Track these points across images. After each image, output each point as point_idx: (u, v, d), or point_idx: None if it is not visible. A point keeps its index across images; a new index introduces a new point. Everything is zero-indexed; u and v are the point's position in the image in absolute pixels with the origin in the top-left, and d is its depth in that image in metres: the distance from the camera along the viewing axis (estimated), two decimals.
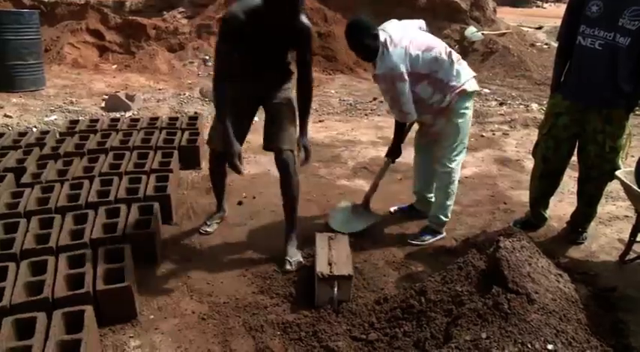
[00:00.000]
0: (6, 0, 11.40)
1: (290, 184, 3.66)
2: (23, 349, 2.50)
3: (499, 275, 2.73)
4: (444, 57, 3.64)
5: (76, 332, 2.60)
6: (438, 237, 4.00)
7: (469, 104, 3.80)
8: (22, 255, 3.31)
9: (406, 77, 3.54)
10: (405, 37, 3.61)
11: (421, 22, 3.98)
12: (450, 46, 3.89)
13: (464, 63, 3.80)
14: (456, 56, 3.73)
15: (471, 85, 3.75)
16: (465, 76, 3.72)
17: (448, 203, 3.96)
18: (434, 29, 11.84)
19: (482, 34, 11.58)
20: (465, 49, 11.19)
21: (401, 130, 3.99)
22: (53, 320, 2.66)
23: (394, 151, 4.06)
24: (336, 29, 10.64)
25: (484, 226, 4.20)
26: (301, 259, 3.61)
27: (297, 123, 3.65)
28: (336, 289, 3.10)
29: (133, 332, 2.94)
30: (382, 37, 3.58)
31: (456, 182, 3.94)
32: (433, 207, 4.02)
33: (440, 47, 3.68)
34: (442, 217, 3.98)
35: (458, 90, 3.67)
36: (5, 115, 6.91)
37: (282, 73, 3.66)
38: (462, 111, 3.75)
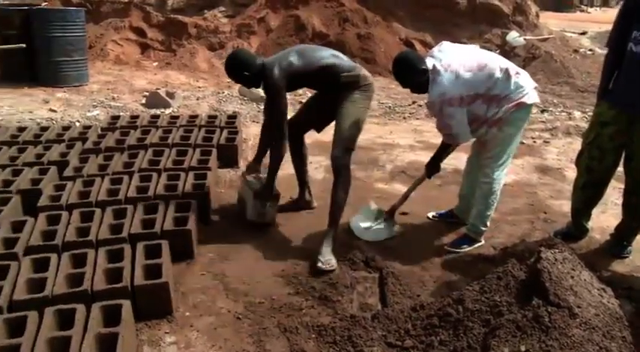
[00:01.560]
0: None
1: (340, 183, 3.80)
2: (63, 339, 2.54)
3: (540, 287, 2.67)
4: (498, 74, 3.55)
5: (113, 326, 2.64)
6: (476, 245, 3.94)
7: (526, 116, 3.72)
8: (63, 247, 3.37)
9: (456, 102, 3.49)
10: (455, 59, 3.55)
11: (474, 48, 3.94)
12: (492, 51, 3.81)
13: (524, 74, 3.69)
14: (513, 69, 3.62)
15: (531, 97, 3.65)
16: (525, 88, 3.62)
17: (487, 213, 3.90)
18: (474, 33, 11.80)
19: (525, 39, 11.40)
20: (506, 54, 11.02)
21: (445, 149, 3.96)
22: (92, 313, 2.70)
23: (432, 167, 4.02)
24: (375, 31, 10.59)
25: (523, 235, 4.12)
26: (334, 263, 3.56)
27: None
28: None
29: (169, 328, 2.96)
30: (430, 63, 3.55)
31: (498, 193, 3.86)
32: (472, 216, 3.96)
33: (494, 63, 3.59)
34: (481, 226, 3.92)
35: (516, 102, 3.59)
36: (50, 109, 7.08)
37: None
38: (516, 122, 3.68)
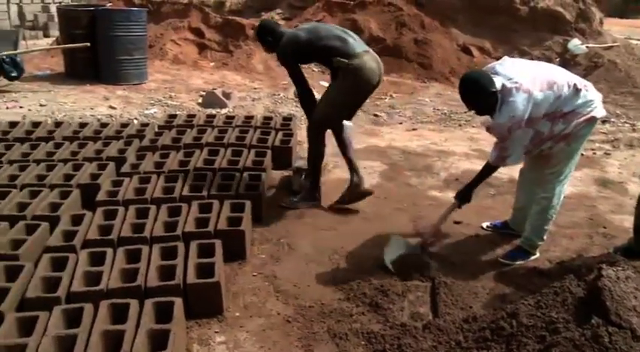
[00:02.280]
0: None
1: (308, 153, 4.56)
2: (117, 333, 2.59)
3: (600, 306, 2.57)
4: (567, 90, 3.40)
5: (164, 322, 2.67)
6: (531, 258, 3.82)
7: (592, 130, 3.60)
8: (119, 242, 3.44)
9: (524, 124, 3.33)
10: (525, 78, 3.35)
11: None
12: (552, 59, 3.70)
13: (591, 87, 3.54)
14: (581, 83, 3.47)
15: (600, 111, 3.53)
16: (594, 102, 3.49)
17: (545, 227, 3.78)
18: (534, 41, 11.53)
19: (587, 47, 11.06)
20: (567, 62, 10.72)
21: (487, 175, 3.75)
22: (145, 308, 2.74)
23: (465, 196, 3.81)
24: (432, 36, 10.48)
25: (580, 250, 3.98)
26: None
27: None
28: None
29: (219, 328, 2.98)
30: (499, 82, 3.34)
31: (557, 208, 3.74)
32: (528, 229, 3.83)
33: (562, 80, 3.43)
34: (536, 240, 3.80)
35: (586, 117, 3.46)
36: (110, 107, 7.28)
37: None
38: (585, 136, 3.57)
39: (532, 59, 9.50)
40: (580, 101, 3.44)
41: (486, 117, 3.61)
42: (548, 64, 3.63)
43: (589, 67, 10.56)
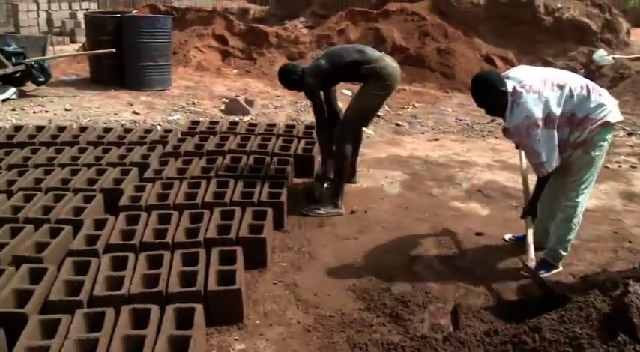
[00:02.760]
0: (144, 6, 12.19)
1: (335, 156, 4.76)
2: (138, 338, 2.60)
3: (627, 323, 2.52)
4: (579, 92, 3.45)
5: (185, 328, 2.68)
6: (554, 271, 3.77)
7: (609, 136, 3.58)
8: (141, 247, 3.47)
9: (540, 123, 3.37)
10: (535, 80, 3.45)
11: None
12: (576, 70, 3.68)
13: (604, 92, 3.57)
14: (594, 88, 3.50)
15: (615, 116, 3.52)
16: (607, 107, 3.49)
17: (569, 237, 3.74)
18: (559, 51, 11.44)
19: (613, 58, 10.94)
20: (592, 73, 10.61)
21: (542, 187, 3.67)
22: (165, 314, 2.75)
23: (533, 212, 3.78)
24: (455, 46, 10.44)
25: (605, 264, 3.91)
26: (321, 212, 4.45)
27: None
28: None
29: (238, 335, 2.98)
30: (510, 85, 3.44)
31: (580, 217, 3.71)
32: (552, 240, 3.80)
33: (573, 82, 3.49)
34: (561, 251, 3.76)
35: (599, 123, 3.46)
36: (134, 112, 7.35)
37: None
38: (601, 143, 3.54)
39: None
40: (593, 105, 3.45)
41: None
42: (563, 70, 3.64)
43: (615, 79, 10.44)
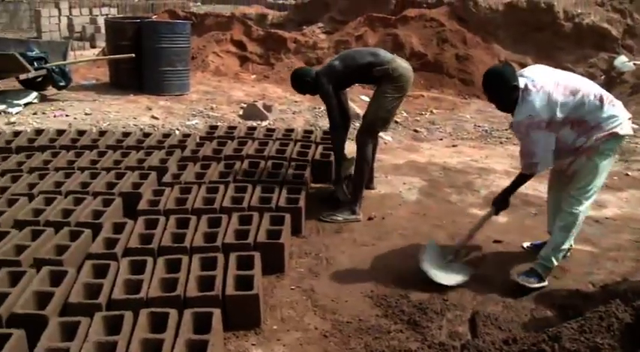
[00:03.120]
0: (164, 12, 12.29)
1: (358, 160, 4.78)
2: (156, 341, 2.62)
3: None
4: (592, 100, 3.41)
5: (202, 333, 2.69)
6: (541, 285, 3.61)
7: (617, 147, 3.55)
8: (159, 251, 3.48)
9: (544, 125, 3.36)
10: (549, 80, 3.43)
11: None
12: (596, 77, 3.64)
13: (618, 104, 3.52)
14: (608, 98, 3.46)
15: (624, 128, 3.48)
16: (619, 119, 3.45)
17: (564, 246, 3.66)
18: (578, 57, 11.33)
19: (635, 64, 10.82)
20: (612, 79, 10.49)
21: (521, 182, 3.72)
22: (183, 318, 2.76)
23: (502, 202, 3.79)
24: (474, 52, 10.39)
25: (626, 274, 3.86)
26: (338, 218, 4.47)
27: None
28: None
29: (256, 341, 2.99)
30: (522, 82, 3.43)
31: (580, 225, 3.65)
32: (547, 246, 3.70)
33: (588, 89, 3.45)
34: (554, 260, 3.63)
35: (608, 133, 3.42)
36: (153, 117, 7.41)
37: None
38: (607, 152, 3.50)
39: None
40: (605, 115, 3.42)
41: None
42: (580, 76, 3.59)
43: (636, 85, 10.31)
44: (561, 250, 3.66)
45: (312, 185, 5.10)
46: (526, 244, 4.21)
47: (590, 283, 3.73)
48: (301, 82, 4.74)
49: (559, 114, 3.37)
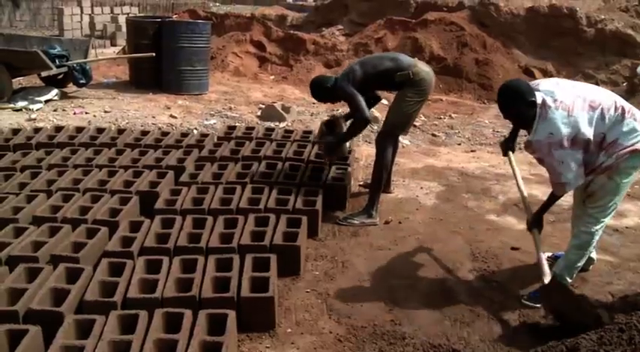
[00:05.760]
0: (184, 11, 12.36)
1: (377, 163, 4.76)
2: (170, 342, 2.61)
3: None
4: (612, 114, 3.24)
5: (216, 334, 2.68)
6: None
7: (638, 164, 3.35)
8: (175, 251, 3.48)
9: (566, 143, 3.17)
10: (567, 96, 3.24)
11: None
12: (618, 84, 3.53)
13: (639, 116, 3.34)
14: (629, 111, 3.30)
15: None
16: (639, 134, 3.28)
17: (578, 264, 3.55)
18: (600, 64, 11.20)
19: None
20: (635, 86, 10.36)
21: (552, 203, 3.57)
22: (198, 319, 2.75)
23: (537, 223, 3.65)
24: (494, 57, 10.30)
25: None
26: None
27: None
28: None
29: (270, 343, 2.97)
30: (539, 98, 3.24)
31: (594, 245, 3.57)
32: (561, 264, 3.58)
33: (608, 102, 3.27)
34: (567, 278, 3.54)
35: (629, 149, 3.25)
36: (171, 116, 7.44)
37: None
38: (629, 170, 3.34)
39: (597, 84, 9.22)
40: (625, 129, 3.25)
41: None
42: (596, 86, 3.43)
43: None
44: (575, 268, 3.56)
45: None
46: (547, 255, 4.12)
47: (610, 293, 3.67)
48: (321, 89, 4.72)
49: (584, 131, 3.19)
